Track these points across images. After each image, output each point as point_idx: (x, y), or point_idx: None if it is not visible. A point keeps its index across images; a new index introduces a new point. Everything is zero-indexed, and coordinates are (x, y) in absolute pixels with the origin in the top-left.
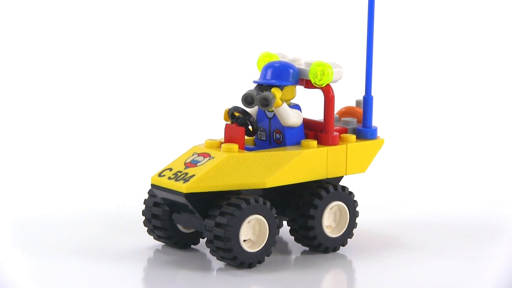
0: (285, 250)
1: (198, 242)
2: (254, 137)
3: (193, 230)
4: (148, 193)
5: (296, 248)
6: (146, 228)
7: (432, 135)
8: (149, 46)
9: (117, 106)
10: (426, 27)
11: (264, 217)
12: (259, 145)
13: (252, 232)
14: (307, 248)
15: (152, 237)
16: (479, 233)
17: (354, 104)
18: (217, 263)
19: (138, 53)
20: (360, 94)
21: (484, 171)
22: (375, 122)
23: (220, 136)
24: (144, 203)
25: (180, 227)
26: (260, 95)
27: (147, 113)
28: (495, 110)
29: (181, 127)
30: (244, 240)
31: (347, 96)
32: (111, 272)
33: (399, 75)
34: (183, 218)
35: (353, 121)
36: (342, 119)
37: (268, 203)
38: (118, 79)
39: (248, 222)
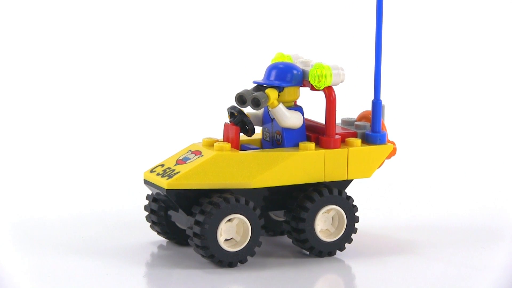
0: (285, 251)
1: None
2: (261, 137)
3: None
4: None
5: (297, 251)
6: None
7: (433, 137)
8: (151, 46)
9: (120, 104)
10: (437, 31)
11: (246, 217)
12: (264, 146)
13: (236, 231)
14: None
15: (155, 233)
16: (480, 237)
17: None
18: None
19: (148, 54)
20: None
21: (485, 176)
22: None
23: None
24: (146, 198)
25: (178, 223)
26: (251, 95)
27: (152, 110)
28: (502, 119)
29: (188, 125)
30: (227, 239)
31: (363, 100)
32: (110, 271)
33: (404, 81)
34: (177, 215)
35: (365, 126)
36: (355, 123)
37: (252, 203)
38: (124, 81)
39: (230, 221)
